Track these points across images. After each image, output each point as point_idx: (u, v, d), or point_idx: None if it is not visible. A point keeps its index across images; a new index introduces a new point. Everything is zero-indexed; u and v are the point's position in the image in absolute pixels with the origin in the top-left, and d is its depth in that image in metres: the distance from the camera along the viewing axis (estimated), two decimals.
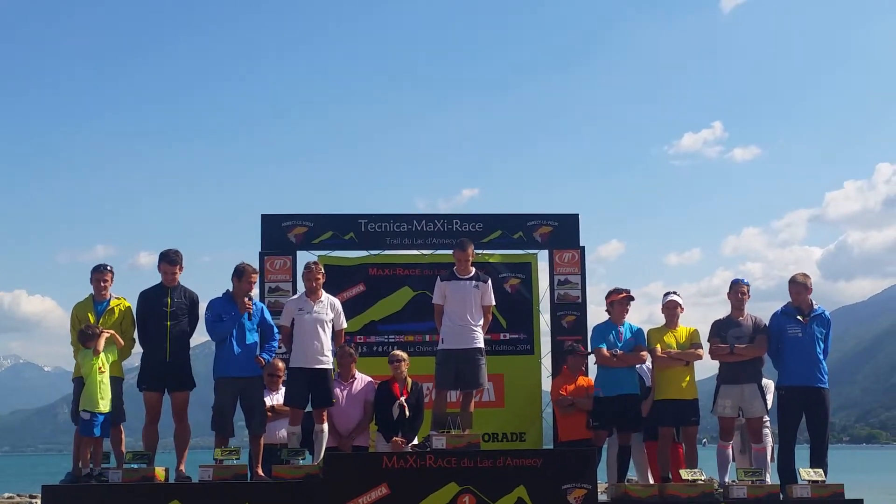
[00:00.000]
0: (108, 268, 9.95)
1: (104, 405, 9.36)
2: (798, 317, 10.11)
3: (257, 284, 11.38)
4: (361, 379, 10.73)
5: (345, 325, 10.35)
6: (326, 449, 9.84)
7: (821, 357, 10.08)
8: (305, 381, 9.84)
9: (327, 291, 10.31)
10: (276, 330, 9.98)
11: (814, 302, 10.26)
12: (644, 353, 10.56)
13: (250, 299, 9.85)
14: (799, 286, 10.25)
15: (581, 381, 11.18)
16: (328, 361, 9.96)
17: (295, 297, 10.70)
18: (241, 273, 9.86)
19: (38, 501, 16.37)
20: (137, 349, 10.01)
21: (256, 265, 11.78)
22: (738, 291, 10.43)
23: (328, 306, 10.07)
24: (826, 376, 10.13)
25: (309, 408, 10.02)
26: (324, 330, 9.94)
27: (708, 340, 10.39)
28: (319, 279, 10.09)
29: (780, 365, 10.22)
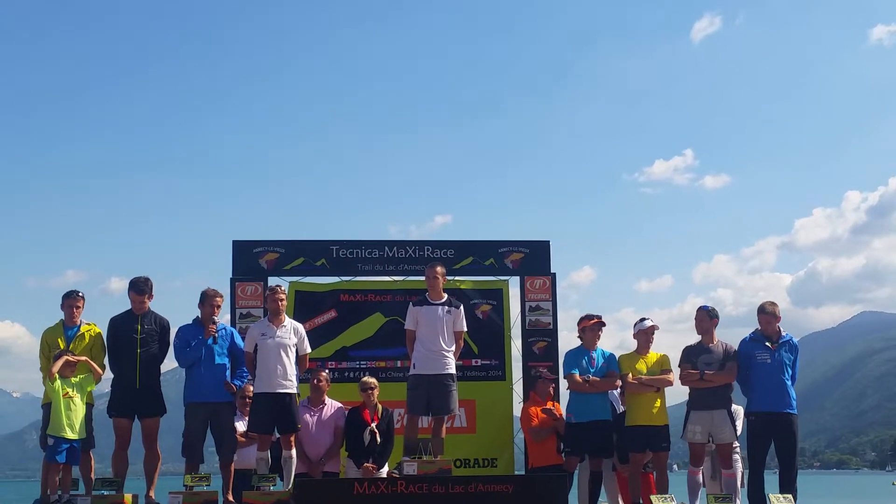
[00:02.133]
0: (80, 294, 9.95)
1: (71, 431, 9.27)
2: (766, 343, 10.19)
3: (228, 310, 11.31)
4: (331, 405, 10.70)
5: (308, 349, 10.24)
6: (297, 475, 9.81)
7: (788, 383, 10.15)
8: (269, 406, 9.76)
9: (299, 318, 10.27)
10: None
11: (782, 329, 10.34)
12: (617, 378, 10.60)
13: (215, 323, 9.83)
14: (767, 315, 10.31)
15: (550, 406, 11.20)
16: (292, 386, 9.88)
17: (258, 322, 10.66)
18: (203, 298, 9.87)
19: None
20: (108, 375, 9.97)
21: (228, 291, 11.74)
22: (696, 318, 10.51)
23: (291, 331, 9.99)
24: (794, 402, 10.20)
25: (276, 434, 9.98)
26: (287, 355, 9.85)
27: (679, 366, 10.43)
28: (283, 300, 10.03)
29: (748, 391, 10.28)
